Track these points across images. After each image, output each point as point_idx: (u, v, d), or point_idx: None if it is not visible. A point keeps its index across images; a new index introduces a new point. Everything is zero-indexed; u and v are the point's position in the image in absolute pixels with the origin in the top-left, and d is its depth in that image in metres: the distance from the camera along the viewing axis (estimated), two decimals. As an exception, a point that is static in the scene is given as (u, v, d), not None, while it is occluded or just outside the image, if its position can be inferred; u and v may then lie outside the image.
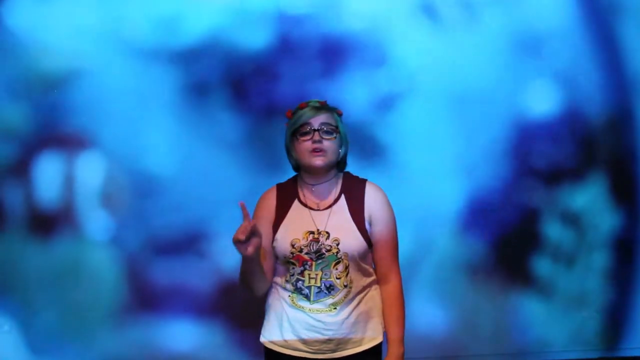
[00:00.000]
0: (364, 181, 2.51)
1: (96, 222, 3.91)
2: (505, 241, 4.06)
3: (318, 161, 2.41)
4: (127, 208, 3.92)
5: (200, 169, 3.90)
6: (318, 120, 2.42)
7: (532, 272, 4.07)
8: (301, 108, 2.46)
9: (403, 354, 2.46)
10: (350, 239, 2.39)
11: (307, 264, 2.39)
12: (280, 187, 2.53)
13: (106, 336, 3.94)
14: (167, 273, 3.92)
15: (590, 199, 4.09)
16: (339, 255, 2.39)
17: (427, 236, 3.97)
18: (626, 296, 4.16)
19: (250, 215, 2.32)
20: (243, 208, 2.25)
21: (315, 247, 2.38)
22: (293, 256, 2.40)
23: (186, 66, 3.88)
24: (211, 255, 3.92)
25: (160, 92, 3.89)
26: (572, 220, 4.07)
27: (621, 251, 4.14)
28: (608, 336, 4.16)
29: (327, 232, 2.39)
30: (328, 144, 2.41)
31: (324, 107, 2.46)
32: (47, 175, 3.89)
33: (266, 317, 2.51)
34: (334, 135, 2.43)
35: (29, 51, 3.86)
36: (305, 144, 2.41)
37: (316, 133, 2.40)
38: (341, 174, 2.53)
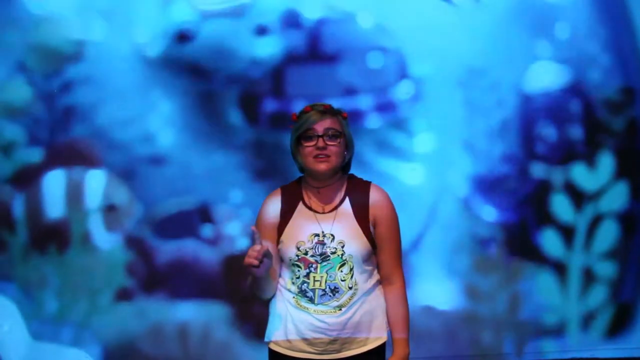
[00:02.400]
0: (368, 184, 2.48)
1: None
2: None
3: (322, 166, 2.39)
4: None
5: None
6: (322, 126, 2.39)
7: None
8: (306, 112, 2.43)
9: (408, 355, 2.46)
10: (355, 242, 2.38)
11: (312, 266, 2.37)
12: (284, 190, 2.50)
13: (108, 319, 3.99)
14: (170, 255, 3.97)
15: (599, 177, 4.07)
16: (343, 258, 2.37)
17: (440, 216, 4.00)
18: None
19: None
20: (255, 232, 2.26)
21: (320, 249, 2.37)
22: (298, 259, 2.38)
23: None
24: (216, 238, 3.97)
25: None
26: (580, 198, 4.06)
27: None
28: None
29: (332, 235, 2.38)
30: (333, 149, 2.39)
31: (328, 111, 2.43)
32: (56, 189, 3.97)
33: (270, 318, 2.50)
34: (339, 139, 2.40)
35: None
36: (310, 149, 2.39)
37: (320, 139, 2.38)
38: (346, 177, 2.50)
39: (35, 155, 3.98)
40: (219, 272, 3.99)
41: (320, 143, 2.37)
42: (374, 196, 2.44)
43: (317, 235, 2.38)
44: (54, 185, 3.98)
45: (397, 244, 2.47)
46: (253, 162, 3.96)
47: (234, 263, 3.92)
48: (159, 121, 3.97)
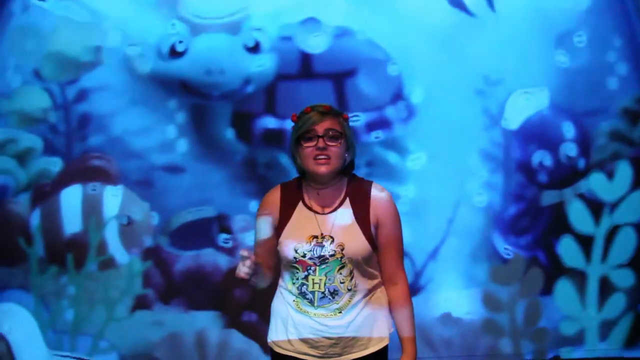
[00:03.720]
0: (369, 184, 2.43)
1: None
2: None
3: (322, 168, 2.33)
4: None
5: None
6: (323, 126, 2.34)
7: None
8: (306, 113, 2.38)
9: (416, 354, 2.43)
10: (354, 244, 2.34)
11: (310, 268, 2.34)
12: (284, 188, 2.46)
13: (125, 328, 3.99)
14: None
15: (618, 187, 4.06)
16: (343, 260, 2.33)
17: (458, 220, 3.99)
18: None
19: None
20: (244, 257, 2.20)
21: (318, 252, 2.33)
22: (296, 261, 2.35)
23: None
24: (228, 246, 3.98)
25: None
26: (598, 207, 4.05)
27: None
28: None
29: (332, 237, 2.34)
30: (333, 150, 2.33)
31: (329, 112, 2.37)
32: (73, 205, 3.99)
33: (272, 320, 2.48)
34: (340, 140, 2.35)
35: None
36: (310, 150, 2.33)
37: (321, 139, 2.32)
38: (346, 178, 2.46)
39: (51, 164, 3.98)
40: (235, 281, 3.97)
41: (321, 144, 2.32)
42: (375, 196, 2.39)
43: (316, 237, 2.34)
44: (71, 200, 3.98)
45: (399, 244, 2.43)
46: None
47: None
48: (175, 130, 3.97)
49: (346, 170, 2.43)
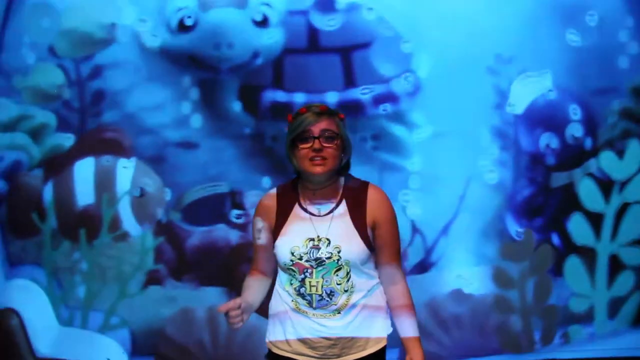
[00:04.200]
0: (366, 184, 2.42)
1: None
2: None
3: (318, 169, 2.32)
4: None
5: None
6: (319, 127, 2.32)
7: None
8: (302, 113, 2.36)
9: (424, 355, 2.41)
10: (351, 246, 2.33)
11: (307, 271, 2.33)
12: (281, 190, 2.45)
13: (137, 304, 4.01)
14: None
15: (628, 165, 4.08)
16: (339, 263, 2.32)
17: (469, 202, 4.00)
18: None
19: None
20: (223, 310, 2.28)
21: (315, 254, 2.32)
22: (293, 263, 2.33)
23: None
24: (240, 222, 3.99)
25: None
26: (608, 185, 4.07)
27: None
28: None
29: (328, 239, 2.33)
30: (329, 151, 2.32)
31: (324, 112, 2.36)
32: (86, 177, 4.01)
33: (270, 320, 2.48)
34: (335, 141, 2.34)
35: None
36: (305, 152, 2.32)
37: (316, 141, 2.31)
38: (342, 178, 2.43)
39: (65, 140, 4.01)
40: (247, 257, 3.99)
41: (316, 145, 2.31)
42: (371, 197, 2.39)
43: (312, 239, 2.34)
44: (84, 172, 4.01)
45: (397, 244, 2.43)
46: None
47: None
48: (189, 106, 3.99)
49: (342, 170, 2.42)
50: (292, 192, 2.42)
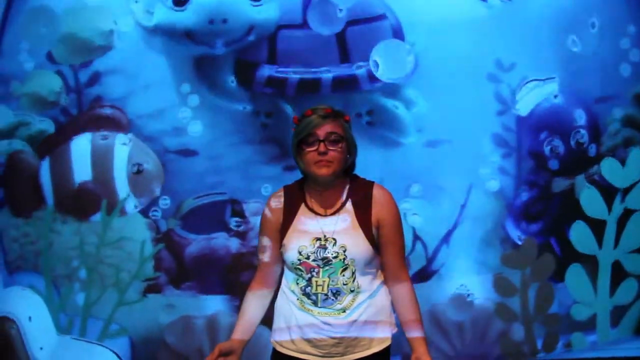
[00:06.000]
0: (371, 184, 2.46)
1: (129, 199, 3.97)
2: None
3: (323, 170, 2.36)
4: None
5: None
6: (324, 130, 2.36)
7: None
8: (307, 116, 2.40)
9: (429, 354, 2.43)
10: (357, 246, 2.37)
11: (314, 270, 2.36)
12: (287, 191, 2.49)
13: (137, 312, 3.98)
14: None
15: (630, 173, 4.08)
16: (345, 262, 2.36)
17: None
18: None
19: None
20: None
21: (322, 254, 2.36)
22: (300, 263, 2.38)
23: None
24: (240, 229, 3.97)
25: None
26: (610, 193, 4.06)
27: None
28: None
29: (334, 239, 2.37)
30: (334, 154, 2.36)
31: (330, 114, 2.40)
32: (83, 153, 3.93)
33: (275, 319, 2.52)
34: (340, 144, 2.38)
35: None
36: (311, 155, 2.36)
37: (322, 144, 2.35)
38: (348, 178, 2.48)
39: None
40: (247, 265, 3.97)
41: (322, 148, 2.34)
42: (376, 197, 2.42)
43: (319, 239, 2.37)
44: (81, 149, 3.96)
45: (401, 244, 2.46)
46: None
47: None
48: (188, 113, 3.96)
49: (347, 171, 2.45)
50: (299, 192, 2.46)
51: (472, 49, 3.93)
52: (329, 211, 2.40)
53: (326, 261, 2.35)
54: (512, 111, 3.99)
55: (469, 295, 3.97)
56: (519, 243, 4.01)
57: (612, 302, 4.08)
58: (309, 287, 2.37)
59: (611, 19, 4.03)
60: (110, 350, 3.88)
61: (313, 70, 3.84)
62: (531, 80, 3.97)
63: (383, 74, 3.86)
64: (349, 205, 2.41)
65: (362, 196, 2.41)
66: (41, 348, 3.86)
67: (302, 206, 2.43)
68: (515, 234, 4.02)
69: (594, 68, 4.03)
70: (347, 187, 2.44)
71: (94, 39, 3.92)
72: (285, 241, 2.41)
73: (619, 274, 4.07)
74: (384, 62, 3.87)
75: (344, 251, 2.35)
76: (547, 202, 4.06)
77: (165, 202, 3.97)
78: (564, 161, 4.05)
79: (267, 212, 2.48)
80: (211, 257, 3.98)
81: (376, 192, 2.42)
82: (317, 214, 2.40)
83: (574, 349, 4.06)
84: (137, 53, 3.92)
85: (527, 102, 4.00)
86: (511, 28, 3.97)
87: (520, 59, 3.98)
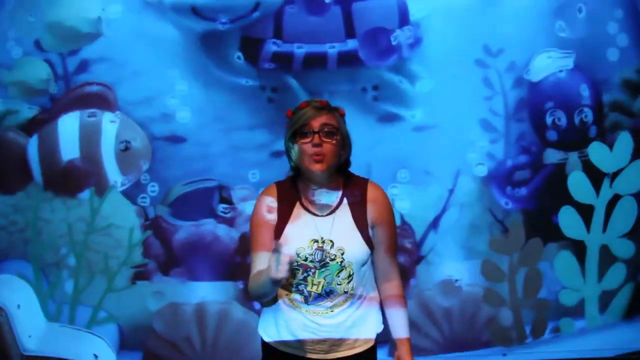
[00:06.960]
0: (365, 182, 2.41)
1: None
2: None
3: (317, 166, 2.30)
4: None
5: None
6: (319, 121, 2.30)
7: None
8: (302, 108, 2.35)
9: (412, 355, 2.40)
10: (354, 248, 2.33)
11: (310, 270, 2.33)
12: (280, 188, 2.41)
13: (125, 299, 3.99)
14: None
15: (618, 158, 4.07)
16: (343, 264, 2.32)
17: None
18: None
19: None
20: (279, 245, 2.16)
21: (320, 256, 2.31)
22: (298, 264, 2.32)
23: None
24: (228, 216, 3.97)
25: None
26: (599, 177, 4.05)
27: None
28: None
29: (332, 241, 2.32)
30: (328, 147, 2.30)
31: (325, 107, 2.35)
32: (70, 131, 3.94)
33: (264, 312, 2.47)
34: (335, 137, 2.32)
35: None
36: (305, 147, 2.30)
37: (316, 135, 2.29)
38: (342, 176, 2.41)
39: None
40: (236, 252, 3.98)
41: (316, 139, 2.29)
42: (371, 195, 2.38)
43: (317, 241, 2.33)
44: (68, 126, 3.97)
45: (394, 242, 2.43)
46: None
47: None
48: (177, 100, 3.96)
49: (342, 167, 2.40)
50: (292, 191, 2.40)
51: (461, 35, 3.94)
52: (325, 210, 2.36)
53: (323, 263, 2.32)
54: (524, 78, 4.00)
55: (457, 280, 3.96)
56: (506, 208, 4.01)
57: (600, 287, 4.07)
58: (303, 285, 2.33)
59: (598, 4, 4.03)
60: (99, 337, 3.85)
61: (319, 45, 3.87)
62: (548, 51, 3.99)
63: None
64: (344, 204, 2.37)
65: (357, 194, 2.38)
66: (30, 336, 3.82)
67: (298, 205, 2.38)
68: (502, 200, 4.02)
69: (582, 53, 4.02)
70: (342, 185, 2.39)
71: (82, 26, 3.93)
72: (282, 242, 2.29)
73: (607, 258, 4.06)
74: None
75: (342, 254, 2.32)
76: (536, 170, 4.05)
77: (153, 189, 3.97)
78: (564, 135, 4.04)
79: (261, 211, 2.39)
80: (199, 243, 3.98)
81: (370, 191, 2.39)
82: (313, 214, 2.36)
83: (563, 334, 4.05)
84: (125, 40, 3.93)
85: (539, 69, 4.00)
86: (499, 14, 3.98)
87: (508, 45, 3.98)
